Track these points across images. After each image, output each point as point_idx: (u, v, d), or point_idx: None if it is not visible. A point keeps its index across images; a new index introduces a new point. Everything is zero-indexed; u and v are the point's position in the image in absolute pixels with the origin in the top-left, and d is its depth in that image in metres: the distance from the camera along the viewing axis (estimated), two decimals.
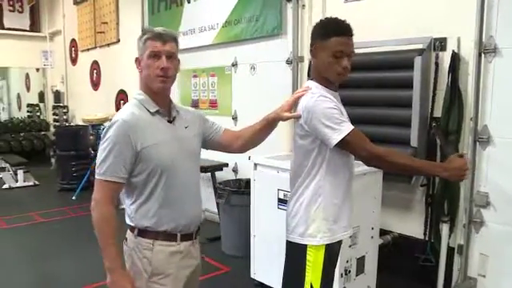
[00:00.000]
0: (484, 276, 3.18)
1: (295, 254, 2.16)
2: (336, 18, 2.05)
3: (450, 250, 3.29)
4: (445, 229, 3.27)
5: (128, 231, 1.92)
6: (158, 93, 1.87)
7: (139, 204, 1.84)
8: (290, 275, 2.22)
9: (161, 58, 1.80)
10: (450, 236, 3.29)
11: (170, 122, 1.91)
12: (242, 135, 2.18)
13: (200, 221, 2.00)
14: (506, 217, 3.05)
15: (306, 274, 2.10)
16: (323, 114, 1.95)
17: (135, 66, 1.88)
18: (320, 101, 1.97)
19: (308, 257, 2.10)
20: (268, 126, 2.17)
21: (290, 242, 2.18)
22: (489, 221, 3.14)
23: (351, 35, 2.02)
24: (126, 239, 1.92)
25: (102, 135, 1.83)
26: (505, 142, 3.02)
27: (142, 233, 1.85)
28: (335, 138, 1.92)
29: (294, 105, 2.15)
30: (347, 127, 1.93)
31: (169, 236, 1.87)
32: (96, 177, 1.80)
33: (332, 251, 2.15)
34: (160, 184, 1.83)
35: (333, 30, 2.00)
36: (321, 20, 2.12)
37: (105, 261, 1.81)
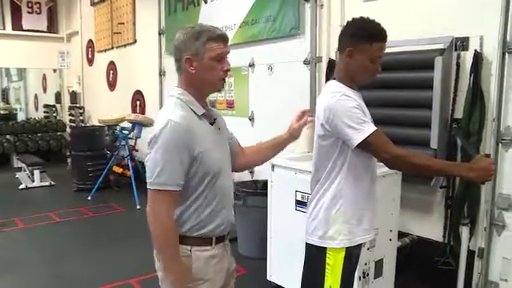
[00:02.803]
0: (506, 280, 3.12)
1: (314, 257, 2.14)
2: (374, 21, 2.02)
3: (471, 254, 3.23)
4: (465, 232, 3.21)
5: None
6: (205, 95, 1.85)
7: (181, 210, 1.78)
8: (309, 278, 2.20)
9: (224, 59, 1.78)
10: (470, 239, 3.23)
11: (211, 124, 1.86)
12: (248, 153, 2.14)
13: (232, 223, 1.96)
14: None
15: (326, 277, 2.09)
16: (345, 113, 1.92)
17: (186, 66, 1.75)
18: (342, 100, 1.95)
19: (327, 260, 2.08)
20: (279, 145, 2.20)
21: (310, 244, 2.16)
22: (511, 224, 3.08)
23: (387, 40, 2.00)
24: None
25: (152, 138, 1.70)
26: None
27: (179, 240, 1.77)
28: (357, 138, 1.89)
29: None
30: (369, 128, 1.90)
31: (204, 240, 1.82)
32: (152, 187, 1.69)
33: (352, 254, 2.12)
34: (207, 189, 1.78)
35: (376, 36, 1.98)
36: (356, 20, 2.07)
37: (169, 274, 1.74)
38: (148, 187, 1.70)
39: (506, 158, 3.05)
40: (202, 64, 1.74)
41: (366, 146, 1.90)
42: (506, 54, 2.98)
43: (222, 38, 1.77)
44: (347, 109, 1.93)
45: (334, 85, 2.06)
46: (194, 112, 1.77)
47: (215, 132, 1.86)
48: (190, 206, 1.78)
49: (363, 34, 1.98)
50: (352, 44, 2.00)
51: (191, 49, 1.73)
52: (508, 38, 2.97)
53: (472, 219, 3.22)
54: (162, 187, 1.67)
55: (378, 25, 2.00)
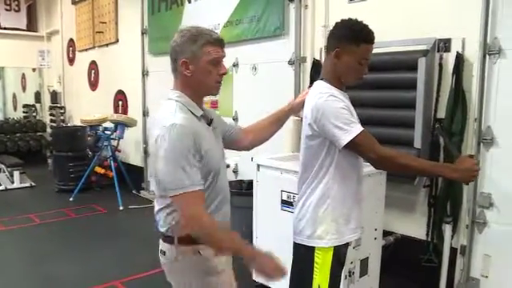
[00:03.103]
0: (487, 277, 3.19)
1: (303, 256, 2.16)
2: (363, 23, 2.04)
3: (453, 251, 3.29)
4: (448, 229, 3.27)
5: (163, 243, 1.86)
6: (201, 97, 1.85)
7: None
8: (298, 277, 2.21)
9: (221, 63, 1.79)
10: (452, 237, 3.29)
11: (208, 124, 1.87)
12: (252, 130, 2.20)
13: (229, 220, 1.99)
14: (509, 217, 3.05)
15: (314, 276, 2.10)
16: (333, 113, 1.94)
17: (183, 69, 1.75)
18: (330, 100, 1.97)
19: (316, 259, 2.10)
20: (279, 119, 2.25)
21: (298, 244, 2.17)
22: (492, 221, 3.14)
23: (374, 42, 2.03)
24: (164, 252, 1.86)
25: (159, 145, 1.67)
26: (508, 143, 3.02)
27: (184, 240, 1.78)
28: (344, 138, 1.92)
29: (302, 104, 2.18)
30: (357, 128, 1.93)
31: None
32: (179, 192, 1.66)
33: (340, 253, 2.15)
34: (211, 188, 1.79)
35: (364, 37, 2.00)
36: (345, 21, 2.09)
37: (243, 255, 1.75)
38: (173, 195, 1.68)
39: (487, 158, 3.10)
40: (199, 67, 1.74)
41: (353, 146, 1.93)
42: (487, 56, 3.04)
43: (219, 42, 1.78)
44: (335, 109, 1.95)
45: (322, 85, 2.08)
46: (194, 114, 1.78)
47: (213, 132, 1.88)
48: None
49: (351, 35, 2.00)
50: (340, 45, 2.02)
51: (188, 52, 1.73)
52: (488, 41, 3.03)
53: (454, 217, 3.28)
54: (190, 189, 1.66)
55: (366, 27, 2.02)
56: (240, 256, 1.75)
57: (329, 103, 1.96)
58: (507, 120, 3.02)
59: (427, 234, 3.46)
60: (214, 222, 1.73)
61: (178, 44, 1.76)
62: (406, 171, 2.14)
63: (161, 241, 1.88)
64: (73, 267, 4.22)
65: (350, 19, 2.07)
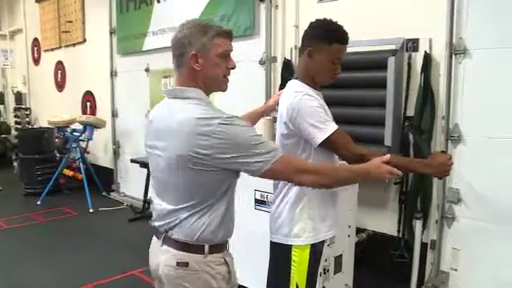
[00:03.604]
0: (456, 270, 3.27)
1: (280, 255, 2.17)
2: (337, 23, 2.07)
3: (423, 246, 3.37)
4: (418, 225, 3.35)
5: (183, 253, 1.67)
6: (209, 93, 1.73)
7: (220, 217, 1.69)
8: (275, 276, 2.23)
9: (230, 57, 1.71)
10: (423, 232, 3.37)
11: None
12: None
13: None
14: (476, 212, 3.14)
15: (292, 274, 2.12)
16: (308, 112, 1.96)
17: (192, 62, 1.64)
18: (305, 99, 1.99)
19: (293, 257, 2.12)
20: (251, 120, 2.24)
21: (275, 242, 2.18)
22: (460, 216, 3.23)
23: (348, 43, 2.07)
24: (184, 264, 1.66)
25: (217, 136, 1.55)
26: (474, 140, 3.11)
27: (212, 249, 1.68)
28: (320, 137, 1.94)
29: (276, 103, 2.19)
30: (332, 126, 1.95)
31: (225, 244, 1.78)
32: (273, 159, 1.59)
33: (317, 251, 2.17)
34: (232, 192, 1.75)
35: (337, 37, 2.03)
36: (319, 21, 2.12)
37: (369, 176, 1.76)
38: (268, 169, 1.61)
39: (455, 155, 3.19)
40: (209, 60, 1.65)
41: (328, 144, 1.95)
42: (453, 56, 3.12)
43: (229, 35, 1.71)
44: (310, 108, 1.97)
45: (297, 84, 2.10)
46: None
47: None
48: (227, 211, 1.72)
49: (323, 34, 2.03)
50: (312, 44, 2.05)
51: (198, 44, 1.63)
52: (454, 41, 3.11)
53: (424, 213, 3.36)
54: (278, 154, 1.62)
55: (340, 27, 2.05)
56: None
57: (304, 102, 1.98)
58: (473, 118, 3.11)
59: (398, 230, 3.53)
60: (325, 168, 1.77)
61: (187, 36, 1.64)
62: None
63: (177, 252, 1.68)
64: (42, 273, 4.13)
65: (324, 19, 2.11)
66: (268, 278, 2.26)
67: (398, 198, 3.53)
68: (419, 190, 3.35)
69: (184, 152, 1.56)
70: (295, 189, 2.09)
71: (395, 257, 3.52)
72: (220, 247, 1.73)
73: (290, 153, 2.06)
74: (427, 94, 3.23)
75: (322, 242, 2.21)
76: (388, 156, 1.79)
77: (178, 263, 1.66)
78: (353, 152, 1.97)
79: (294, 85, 2.11)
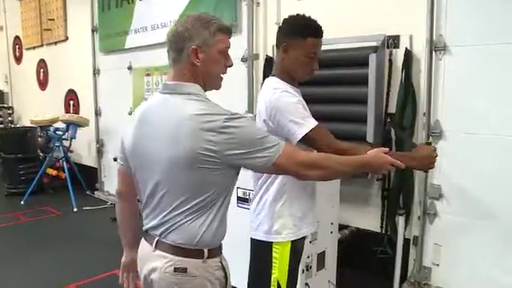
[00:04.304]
0: (438, 265, 3.31)
1: (261, 252, 2.16)
2: (310, 18, 2.06)
3: (406, 242, 3.40)
4: (401, 221, 3.37)
5: (181, 258, 1.56)
6: (206, 90, 1.64)
7: (219, 218, 1.60)
8: (256, 273, 2.22)
9: (228, 54, 1.64)
10: (405, 228, 3.39)
11: None
12: None
13: None
14: (457, 208, 3.18)
15: (273, 271, 2.11)
16: (287, 109, 1.95)
17: (192, 57, 1.55)
18: (284, 96, 1.98)
19: (274, 254, 2.11)
20: None
21: (255, 239, 2.17)
22: (442, 212, 3.26)
23: (323, 37, 2.05)
24: (182, 269, 1.55)
25: (224, 129, 1.46)
26: (455, 136, 3.14)
27: (211, 253, 1.59)
28: (300, 132, 1.91)
29: None
30: (311, 122, 1.93)
31: (221, 247, 1.70)
32: (277, 153, 1.50)
33: (297, 247, 2.17)
34: (231, 188, 1.65)
35: (310, 31, 2.01)
36: (293, 16, 2.11)
37: (370, 167, 1.75)
38: (273, 163, 1.51)
39: (437, 150, 3.20)
40: (210, 56, 1.57)
41: (308, 140, 1.92)
42: (433, 52, 3.14)
43: (230, 31, 1.65)
44: (289, 104, 1.96)
45: (274, 81, 2.09)
46: None
47: None
48: (225, 212, 1.65)
49: (297, 29, 2.03)
50: (287, 39, 2.04)
51: (199, 38, 1.55)
52: (434, 37, 3.13)
53: (407, 209, 3.38)
54: (282, 145, 1.54)
55: (314, 21, 2.05)
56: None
57: (283, 99, 1.97)
58: (454, 114, 3.13)
59: (381, 227, 3.55)
60: (322, 156, 1.70)
61: (188, 29, 1.55)
62: None
63: (174, 257, 1.57)
64: (25, 272, 4.07)
65: (297, 14, 2.10)
66: (249, 276, 2.25)
67: (380, 194, 3.54)
68: (401, 186, 3.37)
69: (191, 150, 1.46)
70: (275, 186, 2.08)
71: (378, 253, 3.54)
72: (217, 251, 1.65)
73: None
74: (408, 90, 3.25)
75: (303, 238, 2.22)
76: (386, 148, 1.78)
77: (175, 269, 1.55)
78: (333, 147, 1.92)
79: (271, 82, 2.10)
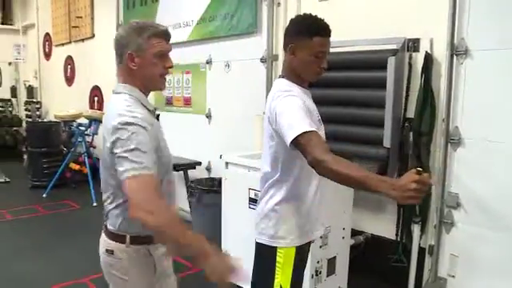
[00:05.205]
0: (453, 276, 3.20)
1: (265, 256, 2.13)
2: (316, 17, 1.99)
3: (421, 251, 3.30)
4: (416, 229, 3.28)
5: (110, 241, 1.77)
6: (148, 91, 1.79)
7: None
8: (259, 276, 2.18)
9: (167, 57, 1.76)
10: (421, 237, 3.30)
11: (157, 119, 1.83)
12: None
13: None
14: (475, 218, 3.07)
15: (276, 275, 2.08)
16: (286, 111, 1.88)
17: (128, 62, 1.68)
18: (286, 98, 1.93)
19: (278, 258, 2.08)
20: None
21: (260, 243, 2.14)
22: (459, 221, 3.16)
23: (330, 35, 1.99)
24: (110, 251, 1.76)
25: (118, 137, 1.56)
26: (474, 143, 3.03)
27: (136, 240, 1.72)
28: (290, 136, 1.80)
29: None
30: (303, 127, 1.79)
31: (151, 238, 1.72)
32: (135, 172, 1.51)
33: (302, 252, 2.13)
34: (161, 183, 1.72)
35: (316, 30, 1.95)
36: (298, 16, 2.07)
37: (191, 251, 1.51)
38: (124, 179, 1.53)
39: (455, 158, 3.12)
40: (145, 60, 1.70)
41: (296, 144, 1.80)
42: (454, 56, 3.04)
43: (165, 35, 1.75)
44: (289, 107, 1.89)
45: (283, 83, 2.04)
46: (146, 107, 1.74)
47: (160, 127, 1.82)
48: None
49: (304, 29, 1.97)
50: (293, 40, 1.99)
51: (134, 44, 1.69)
52: (455, 41, 3.03)
53: (423, 217, 3.29)
54: (144, 171, 1.53)
55: (320, 20, 1.99)
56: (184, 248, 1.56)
57: (285, 101, 1.92)
58: (474, 120, 3.03)
59: (396, 234, 3.46)
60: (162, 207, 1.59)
61: (124, 36, 1.71)
62: (341, 180, 1.72)
63: (107, 239, 1.79)
64: (43, 264, 4.15)
65: (304, 14, 2.06)
66: (252, 278, 2.22)
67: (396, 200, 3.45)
68: None
69: (107, 145, 1.62)
70: (282, 190, 2.03)
71: (392, 261, 3.46)
72: (143, 239, 1.72)
73: (275, 154, 2.01)
74: (428, 95, 3.16)
75: (309, 243, 2.18)
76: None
77: (106, 250, 1.78)
78: (315, 157, 1.71)
79: (279, 83, 2.05)
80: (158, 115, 1.87)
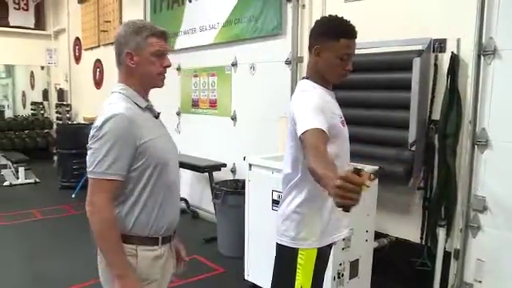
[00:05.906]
0: (480, 282, 3.13)
1: (286, 257, 2.12)
2: (342, 18, 1.98)
3: (447, 255, 3.24)
4: (441, 233, 3.22)
5: None
6: (146, 90, 1.84)
7: (127, 207, 1.73)
8: (280, 278, 2.18)
9: (165, 56, 1.81)
10: (446, 240, 3.24)
11: (156, 117, 1.88)
12: None
13: (178, 223, 1.92)
14: (503, 222, 2.99)
15: (297, 277, 2.07)
16: (302, 109, 1.87)
17: (127, 60, 1.76)
18: (306, 97, 1.93)
19: (299, 260, 2.06)
20: None
21: (281, 244, 2.14)
22: (485, 225, 3.09)
23: (356, 37, 1.98)
24: None
25: (94, 131, 1.67)
26: (502, 145, 2.96)
27: (123, 238, 1.72)
28: (298, 132, 1.80)
29: None
30: (310, 124, 1.76)
31: (151, 240, 1.78)
32: (92, 176, 1.65)
33: (323, 254, 2.11)
34: (151, 184, 1.74)
35: (342, 32, 1.94)
36: (324, 18, 2.07)
37: (113, 268, 1.70)
38: (88, 176, 1.68)
39: (481, 160, 3.06)
40: (143, 58, 1.76)
41: (300, 141, 1.79)
42: (482, 57, 2.98)
43: (163, 35, 1.81)
44: (305, 106, 1.88)
45: (306, 84, 2.04)
46: (138, 105, 1.78)
47: (160, 125, 1.88)
48: (136, 203, 1.73)
49: (329, 31, 1.96)
50: (319, 42, 1.98)
51: (132, 43, 1.75)
52: (483, 41, 2.97)
53: (448, 221, 3.23)
54: (102, 176, 1.64)
55: (346, 22, 1.98)
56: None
57: (303, 99, 1.92)
58: (502, 122, 2.96)
59: (421, 238, 3.41)
60: (111, 224, 1.68)
61: (123, 36, 1.77)
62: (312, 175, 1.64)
63: None
64: (68, 263, 4.24)
65: (329, 15, 2.05)
66: (272, 279, 2.22)
67: (421, 203, 3.40)
68: (443, 196, 3.22)
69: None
70: (304, 192, 2.02)
71: (417, 265, 3.40)
72: (131, 239, 1.74)
73: (296, 154, 2.01)
74: (454, 96, 3.10)
75: (330, 246, 2.16)
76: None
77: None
78: (306, 155, 1.70)
79: (303, 84, 2.05)
80: (158, 114, 1.91)
